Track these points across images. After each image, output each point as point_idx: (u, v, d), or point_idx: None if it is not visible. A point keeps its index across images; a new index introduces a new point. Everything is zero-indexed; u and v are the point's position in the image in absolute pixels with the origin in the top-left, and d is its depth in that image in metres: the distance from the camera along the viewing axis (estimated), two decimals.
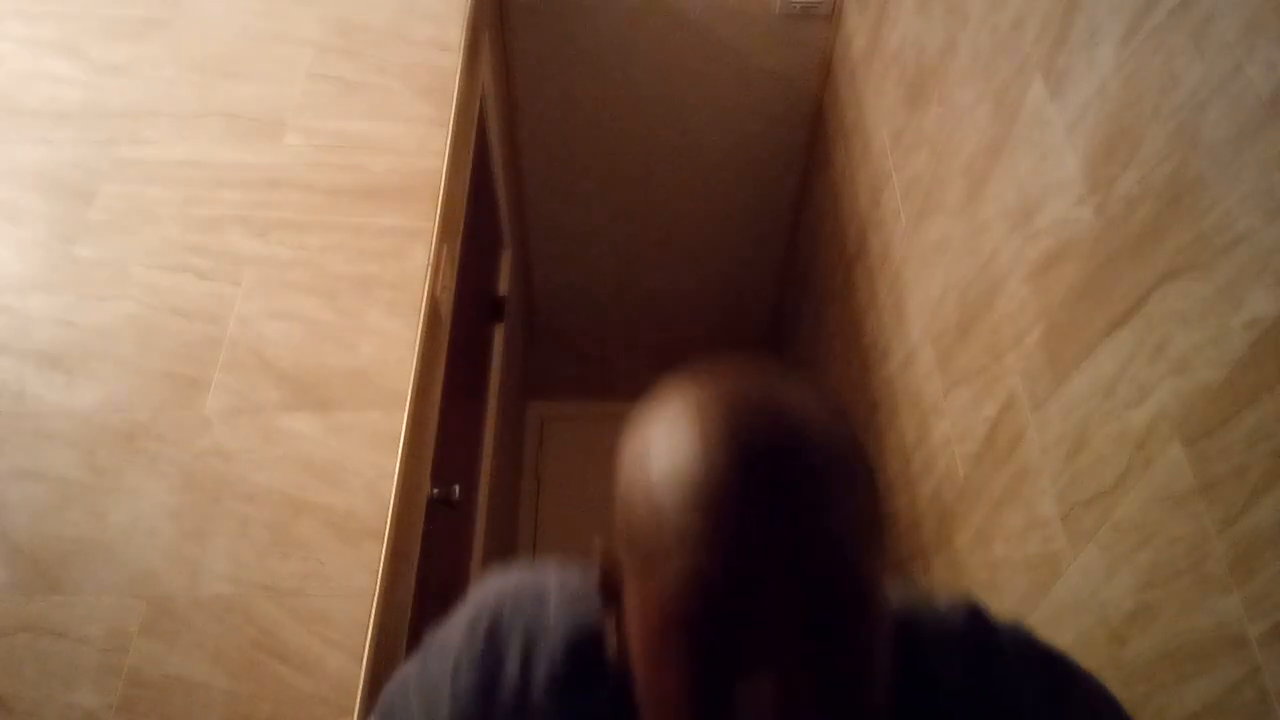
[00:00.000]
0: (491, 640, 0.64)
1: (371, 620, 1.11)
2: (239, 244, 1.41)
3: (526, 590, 0.66)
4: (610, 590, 0.54)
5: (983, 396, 1.36)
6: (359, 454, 1.23)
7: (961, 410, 1.45)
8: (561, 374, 3.28)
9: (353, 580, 1.14)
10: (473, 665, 0.64)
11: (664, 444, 0.48)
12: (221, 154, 1.52)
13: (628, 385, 3.26)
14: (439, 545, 1.64)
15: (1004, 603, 1.29)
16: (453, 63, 1.66)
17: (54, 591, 1.11)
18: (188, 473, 1.20)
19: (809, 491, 0.45)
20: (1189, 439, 0.88)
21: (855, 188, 2.13)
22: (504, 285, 2.51)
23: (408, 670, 0.70)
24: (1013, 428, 1.26)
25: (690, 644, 0.45)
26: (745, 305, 3.26)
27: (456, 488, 1.53)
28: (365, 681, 1.07)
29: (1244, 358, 0.80)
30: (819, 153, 2.52)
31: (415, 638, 1.31)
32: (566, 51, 2.38)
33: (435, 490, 1.48)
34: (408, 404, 1.28)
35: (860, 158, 2.10)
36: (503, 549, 2.54)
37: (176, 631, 1.09)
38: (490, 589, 0.68)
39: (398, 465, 1.23)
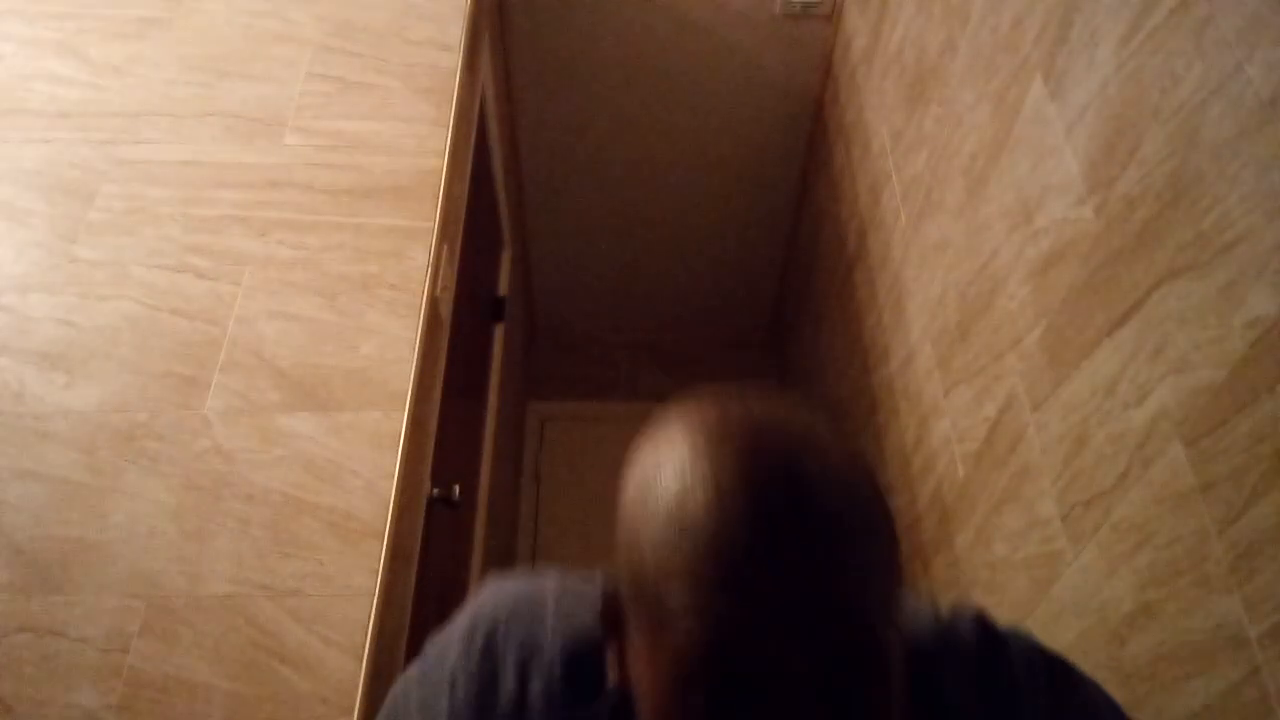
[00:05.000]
0: (488, 653, 0.64)
1: (371, 620, 1.11)
2: (239, 244, 1.41)
3: (524, 601, 0.66)
4: (613, 624, 0.53)
5: (983, 396, 1.36)
6: (359, 454, 1.23)
7: (961, 410, 1.45)
8: (561, 374, 3.28)
9: (353, 580, 1.14)
10: (469, 679, 0.64)
11: (671, 485, 0.45)
12: (221, 154, 1.52)
13: (628, 385, 3.26)
14: (439, 545, 1.64)
15: (1004, 603, 1.29)
16: (453, 63, 1.66)
17: (54, 591, 1.11)
18: (188, 473, 1.20)
19: (830, 548, 0.42)
20: (1189, 439, 0.88)
21: (855, 188, 2.13)
22: (504, 285, 2.51)
23: (409, 678, 0.70)
24: (1013, 428, 1.26)
25: (703, 705, 0.44)
26: (745, 305, 3.26)
27: (456, 488, 1.53)
28: (365, 681, 1.07)
29: (1244, 358, 0.80)
30: (819, 153, 2.52)
31: (415, 638, 1.31)
32: (566, 51, 2.38)
33: (435, 490, 1.48)
34: (407, 404, 1.28)
35: (860, 158, 2.10)
36: (503, 549, 2.54)
37: (176, 631, 1.09)
38: (487, 598, 0.68)
39: (398, 465, 1.23)
